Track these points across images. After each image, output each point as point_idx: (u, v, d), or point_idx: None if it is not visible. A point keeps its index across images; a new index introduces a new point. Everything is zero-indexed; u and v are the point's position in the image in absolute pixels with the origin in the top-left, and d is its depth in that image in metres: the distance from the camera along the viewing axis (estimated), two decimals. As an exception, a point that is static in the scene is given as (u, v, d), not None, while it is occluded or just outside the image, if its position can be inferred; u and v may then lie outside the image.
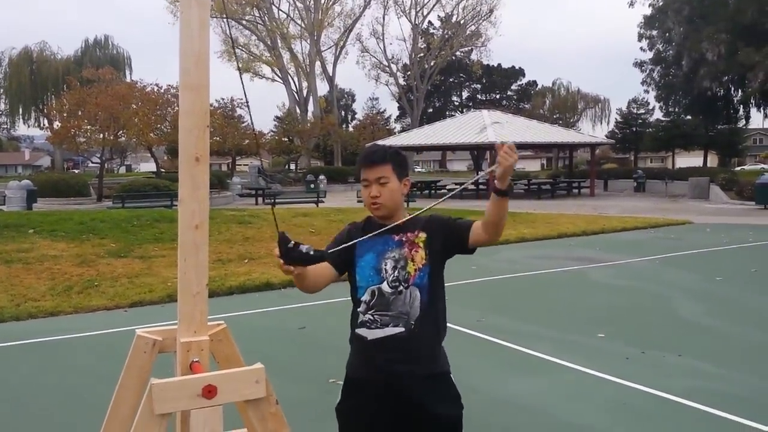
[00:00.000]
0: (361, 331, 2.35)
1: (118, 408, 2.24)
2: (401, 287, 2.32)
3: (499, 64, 71.85)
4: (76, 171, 59.22)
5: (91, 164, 47.32)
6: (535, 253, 11.79)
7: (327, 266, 2.30)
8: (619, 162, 59.71)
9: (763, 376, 5.02)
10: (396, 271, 2.32)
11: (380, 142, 35.62)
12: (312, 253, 2.06)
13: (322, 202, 24.71)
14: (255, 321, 7.12)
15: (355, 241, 2.33)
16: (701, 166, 42.25)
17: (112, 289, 8.46)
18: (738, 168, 49.91)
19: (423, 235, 2.37)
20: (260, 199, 26.91)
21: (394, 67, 57.15)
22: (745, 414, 4.22)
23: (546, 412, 4.38)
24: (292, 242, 2.04)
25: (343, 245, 2.32)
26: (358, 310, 2.36)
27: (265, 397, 1.98)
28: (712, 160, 50.15)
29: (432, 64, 55.09)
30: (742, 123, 45.71)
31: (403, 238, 2.35)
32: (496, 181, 2.17)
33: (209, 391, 1.87)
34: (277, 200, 24.81)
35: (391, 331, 2.31)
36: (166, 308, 7.58)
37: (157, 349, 2.33)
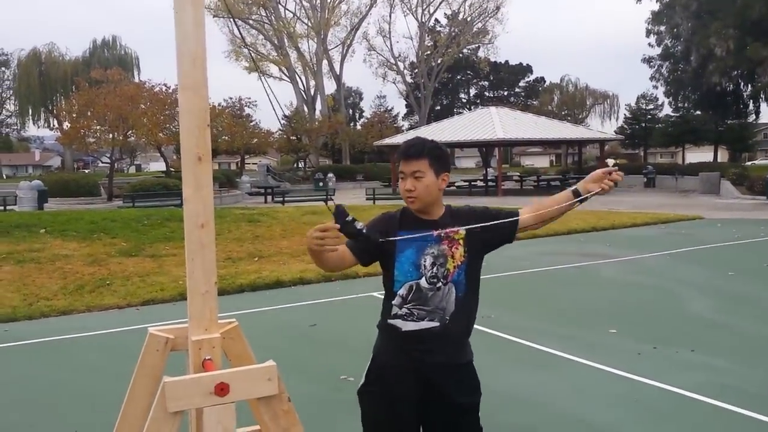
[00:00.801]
0: (396, 322, 2.37)
1: (130, 406, 2.25)
2: (440, 284, 2.33)
3: (507, 61, 71.69)
4: (86, 171, 59.50)
5: (101, 164, 47.52)
6: (545, 250, 11.75)
7: (348, 254, 2.34)
8: (628, 158, 59.47)
9: (777, 371, 4.99)
10: (435, 268, 2.33)
11: (387, 140, 35.50)
12: (364, 231, 2.16)
13: (331, 200, 24.65)
14: (266, 319, 7.13)
15: (400, 238, 2.35)
16: (711, 161, 42.03)
17: (124, 288, 8.50)
18: (748, 163, 49.66)
19: (462, 232, 2.37)
20: (269, 198, 26.94)
21: (401, 65, 57.17)
22: (759, 409, 4.19)
23: (557, 409, 4.36)
24: (351, 216, 2.14)
25: (389, 238, 2.34)
26: (393, 302, 2.37)
27: (277, 395, 1.98)
28: (723, 155, 49.90)
29: (439, 61, 55.01)
30: (752, 118, 45.37)
31: (443, 234, 2.35)
32: (582, 189, 2.37)
33: (222, 389, 1.87)
34: (286, 198, 24.86)
35: (426, 324, 2.33)
36: (177, 306, 7.61)
37: (169, 348, 2.34)
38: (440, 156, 2.39)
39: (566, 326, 6.46)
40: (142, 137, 30.13)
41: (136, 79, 42.41)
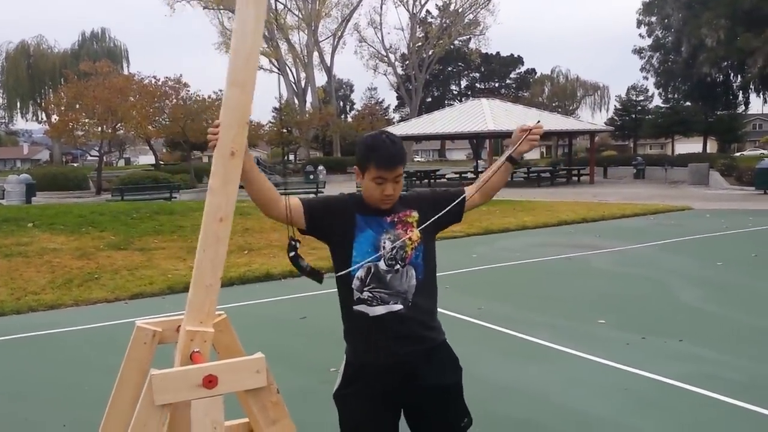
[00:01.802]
0: (362, 308, 2.33)
1: (118, 399, 2.23)
2: (398, 266, 2.33)
3: (498, 53, 71.70)
4: (75, 164, 59.14)
5: (89, 157, 47.30)
6: (536, 241, 11.78)
7: (298, 205, 2.36)
8: (618, 149, 59.62)
9: (764, 360, 5.02)
10: (394, 251, 2.32)
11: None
12: (308, 269, 2.32)
13: (322, 192, 24.69)
14: (255, 311, 7.12)
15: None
16: (701, 152, 42.19)
17: (113, 281, 8.46)
18: (737, 153, 49.86)
19: (415, 214, 2.38)
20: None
21: (392, 56, 57.07)
22: (747, 398, 4.22)
23: (547, 399, 4.38)
24: (293, 252, 2.28)
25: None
26: (352, 286, 2.34)
27: (266, 387, 1.98)
28: (712, 146, 50.10)
29: (430, 53, 54.94)
30: (741, 108, 45.60)
31: (395, 219, 2.35)
32: (512, 154, 2.41)
33: (210, 381, 1.86)
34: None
35: (391, 308, 2.31)
36: (167, 300, 7.58)
37: (156, 341, 2.32)
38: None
39: (556, 317, 6.49)
40: (131, 130, 30.00)
41: (126, 72, 42.13)
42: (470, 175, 32.71)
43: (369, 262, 2.32)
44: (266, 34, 47.88)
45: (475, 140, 48.51)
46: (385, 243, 2.33)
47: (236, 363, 1.96)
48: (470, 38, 59.92)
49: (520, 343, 5.61)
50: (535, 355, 5.34)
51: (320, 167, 35.51)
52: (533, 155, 68.59)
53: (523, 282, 8.39)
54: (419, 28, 55.21)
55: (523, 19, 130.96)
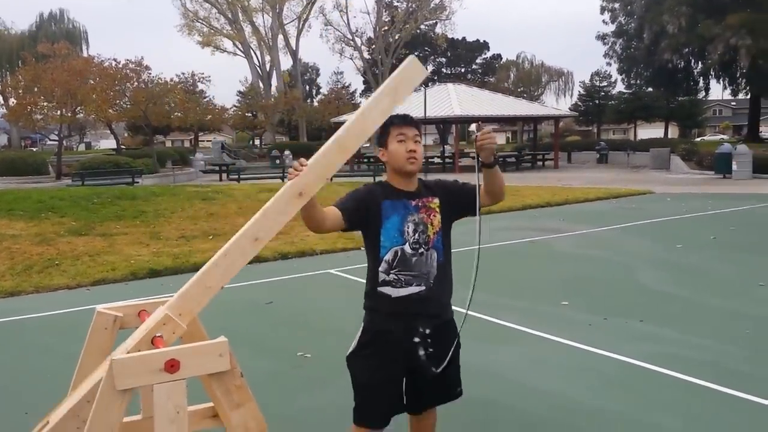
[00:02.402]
0: (385, 290, 2.55)
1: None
2: (422, 249, 2.55)
3: (464, 38, 71.64)
4: (34, 149, 57.68)
5: (49, 142, 46.19)
6: (501, 225, 11.88)
7: (337, 213, 2.47)
8: (582, 134, 60.35)
9: (722, 339, 5.16)
10: (417, 234, 2.55)
11: (344, 117, 35.26)
12: None
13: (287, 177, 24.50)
14: (221, 297, 7.00)
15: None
16: (662, 137, 42.95)
17: (74, 267, 8.30)
18: (698, 139, 50.87)
19: (437, 201, 2.61)
20: (224, 176, 26.57)
21: (358, 40, 56.59)
22: (705, 376, 4.33)
23: (513, 379, 4.44)
24: None
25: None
26: (380, 269, 2.56)
27: (229, 371, 1.96)
28: (673, 132, 51.02)
29: (396, 37, 54.65)
30: (702, 95, 46.37)
31: (419, 204, 2.55)
32: (482, 160, 2.50)
33: (172, 366, 1.84)
34: (241, 176, 24.57)
35: (413, 289, 2.54)
36: (130, 286, 7.47)
37: (117, 326, 2.29)
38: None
39: (520, 300, 6.56)
40: (92, 113, 29.34)
41: (85, 54, 41.14)
42: (437, 160, 32.82)
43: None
44: (230, 16, 47.25)
45: (442, 125, 48.73)
46: (408, 227, 2.54)
47: (199, 347, 1.95)
48: (436, 23, 59.74)
49: (484, 326, 5.67)
50: (500, 337, 5.40)
51: (286, 152, 35.26)
52: (499, 141, 69.11)
53: (488, 266, 8.44)
54: (385, 12, 54.88)
55: (489, 4, 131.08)
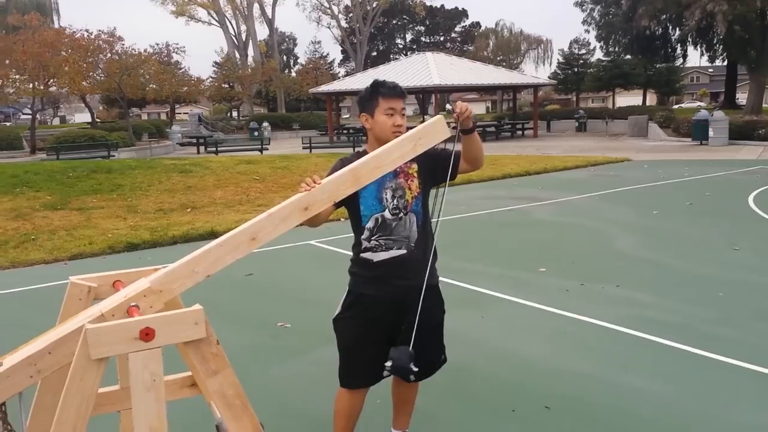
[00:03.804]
0: (367, 255, 2.63)
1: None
2: (401, 214, 2.61)
3: (443, 5, 71.15)
4: (7, 124, 56.57)
5: (22, 116, 45.40)
6: (480, 194, 11.93)
7: None
8: (561, 103, 60.41)
9: (695, 303, 5.25)
10: (395, 200, 2.60)
11: (323, 87, 34.80)
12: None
13: (267, 149, 24.35)
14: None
15: None
16: (640, 104, 43.11)
17: (50, 242, 8.22)
18: (675, 106, 51.18)
19: (415, 166, 2.63)
20: (202, 148, 26.30)
21: (335, 9, 55.95)
22: (678, 338, 4.42)
23: (491, 344, 4.49)
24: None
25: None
26: (362, 237, 2.63)
27: (205, 338, 1.96)
28: (651, 99, 51.23)
29: (374, 5, 54.04)
30: (679, 62, 46.49)
31: (398, 169, 2.53)
32: (461, 129, 2.54)
33: (147, 334, 1.84)
34: (219, 148, 24.34)
35: (394, 253, 2.61)
36: (107, 260, 7.41)
37: (92, 297, 2.27)
38: None
39: (498, 267, 6.62)
40: (65, 86, 28.77)
41: (56, 25, 40.19)
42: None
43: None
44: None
45: (422, 95, 48.45)
46: (386, 194, 2.59)
47: (174, 315, 1.94)
48: (415, -10, 59.15)
49: (464, 293, 5.71)
50: (479, 303, 5.45)
51: (265, 123, 34.93)
52: (479, 110, 69.02)
53: (468, 234, 8.50)
54: (363, -21, 54.14)
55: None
